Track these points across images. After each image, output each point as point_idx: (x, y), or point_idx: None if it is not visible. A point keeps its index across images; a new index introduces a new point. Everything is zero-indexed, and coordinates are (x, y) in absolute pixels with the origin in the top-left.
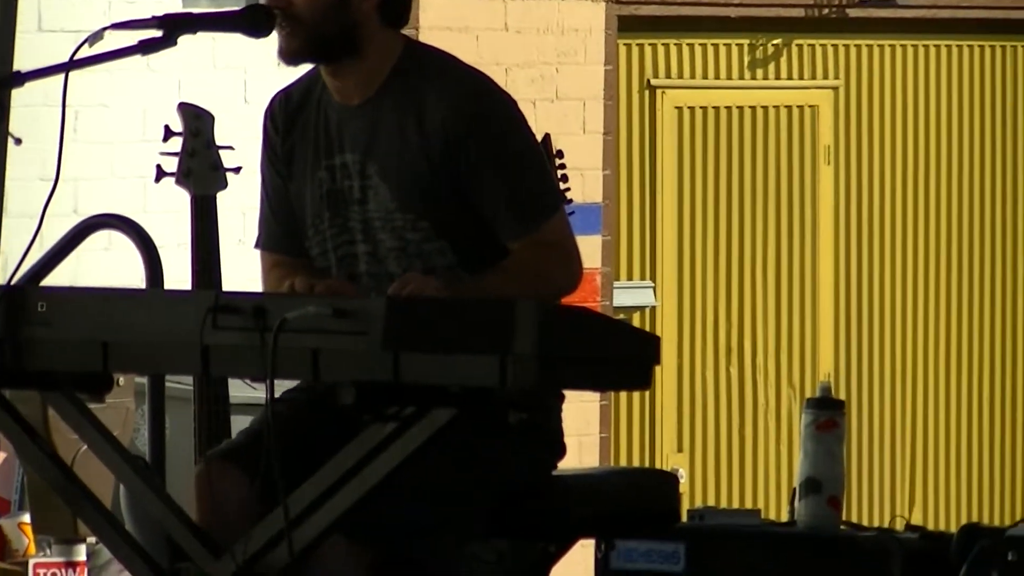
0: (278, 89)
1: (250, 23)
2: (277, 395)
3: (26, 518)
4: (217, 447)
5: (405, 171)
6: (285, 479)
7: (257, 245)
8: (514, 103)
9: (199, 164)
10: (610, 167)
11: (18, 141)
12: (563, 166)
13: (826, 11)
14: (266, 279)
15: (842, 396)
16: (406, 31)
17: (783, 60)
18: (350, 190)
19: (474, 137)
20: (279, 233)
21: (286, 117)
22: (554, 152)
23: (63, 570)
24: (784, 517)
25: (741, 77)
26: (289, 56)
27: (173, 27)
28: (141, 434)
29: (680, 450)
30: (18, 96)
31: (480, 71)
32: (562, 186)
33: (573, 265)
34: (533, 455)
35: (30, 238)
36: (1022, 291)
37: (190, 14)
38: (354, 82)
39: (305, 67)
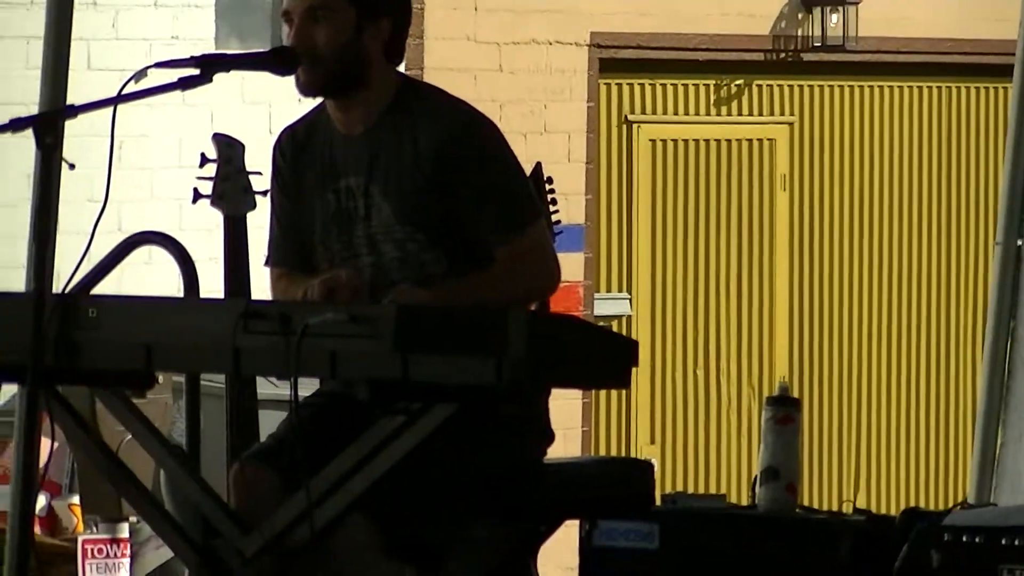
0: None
1: (277, 62)
2: (301, 395)
3: (75, 500)
4: (249, 449)
5: (403, 189)
6: (308, 466)
7: (267, 263)
8: (495, 127)
9: (231, 187)
10: (592, 192)
11: (72, 166)
12: (552, 191)
13: (783, 55)
14: (273, 289)
15: (796, 395)
16: (414, 71)
17: (744, 98)
18: (355, 209)
19: (462, 157)
20: (287, 250)
21: (294, 148)
22: (545, 179)
23: (108, 546)
24: (746, 501)
25: (707, 113)
26: (310, 89)
27: (209, 66)
28: (177, 426)
29: (653, 442)
30: (69, 127)
31: (465, 102)
32: (552, 209)
33: (552, 268)
34: (525, 443)
35: (80, 253)
36: (955, 300)
37: (224, 54)
38: (358, 113)
39: (316, 101)
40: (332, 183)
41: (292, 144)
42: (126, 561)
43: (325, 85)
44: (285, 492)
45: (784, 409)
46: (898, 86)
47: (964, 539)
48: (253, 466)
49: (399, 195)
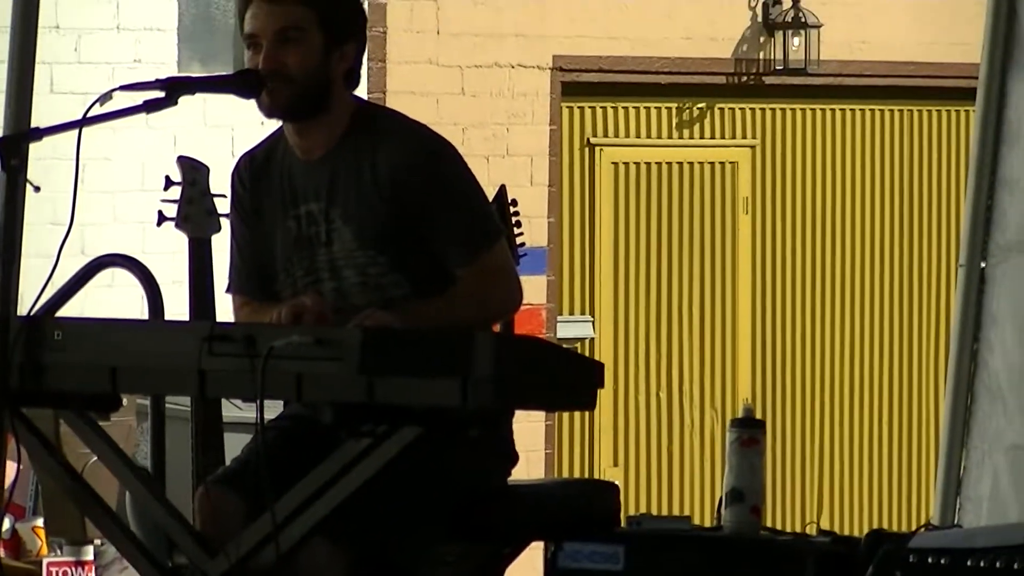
0: None
1: (242, 85)
2: (266, 419)
3: (39, 522)
4: (214, 474)
5: (363, 214)
6: (273, 489)
7: (228, 290)
8: (454, 149)
9: (196, 210)
10: (554, 215)
11: (36, 188)
12: (516, 213)
13: (745, 79)
14: (237, 317)
15: (759, 416)
16: (376, 95)
17: (707, 122)
18: (316, 235)
19: (421, 179)
20: (247, 277)
21: (252, 175)
22: (508, 201)
23: (73, 568)
24: (711, 523)
25: (670, 136)
26: (276, 111)
27: (174, 88)
28: (141, 449)
29: (616, 464)
30: (32, 151)
31: (424, 125)
32: (516, 231)
33: (514, 287)
34: (490, 465)
35: (45, 275)
36: (918, 323)
37: (190, 77)
38: (317, 138)
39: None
40: (293, 209)
41: (251, 170)
42: None
43: (292, 107)
44: (250, 516)
45: (749, 431)
46: (860, 109)
47: (929, 560)
48: (218, 490)
49: (359, 219)
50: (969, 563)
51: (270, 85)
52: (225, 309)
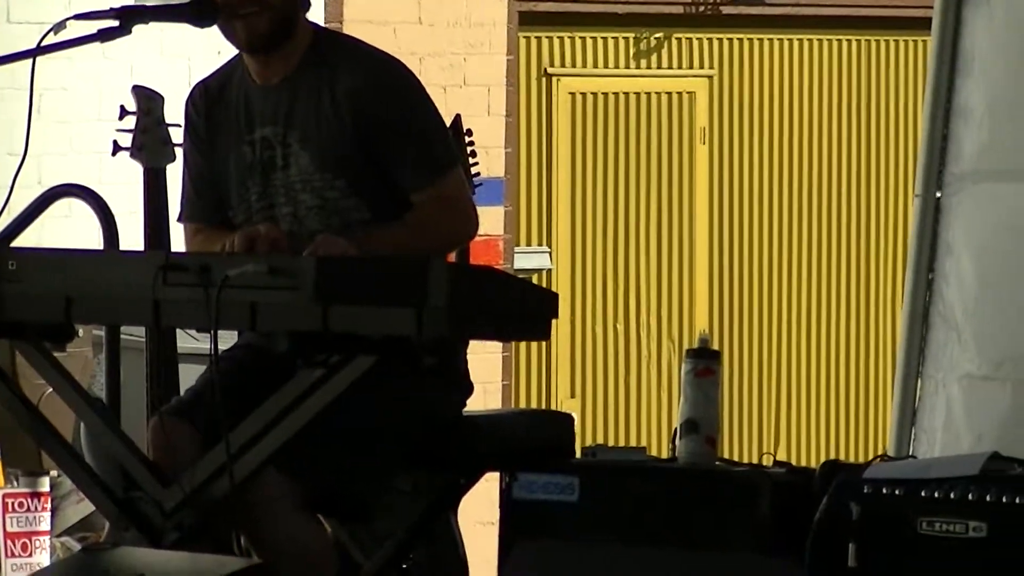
0: None
1: (196, 14)
2: (221, 348)
3: None
4: (168, 404)
5: (322, 137)
6: (228, 420)
7: (180, 219)
8: (412, 74)
9: (151, 140)
10: (511, 145)
11: None
12: (472, 143)
13: (702, 8)
14: (189, 245)
15: (716, 348)
16: (333, 24)
17: (664, 52)
18: (272, 159)
19: (379, 103)
20: (200, 205)
21: (206, 102)
22: (464, 131)
23: (29, 499)
24: (666, 454)
25: (627, 67)
26: (258, 41)
27: (128, 18)
28: (98, 380)
29: (573, 396)
30: None
31: (382, 50)
32: (471, 161)
33: (470, 213)
34: (445, 395)
35: (0, 205)
36: (875, 253)
37: (143, 6)
38: (277, 65)
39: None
40: (248, 134)
41: (205, 98)
42: (47, 515)
43: (270, 38)
44: (204, 446)
45: (704, 362)
46: (817, 39)
47: (884, 491)
48: (171, 420)
49: (318, 143)
50: (923, 493)
51: (245, 13)
52: (181, 240)
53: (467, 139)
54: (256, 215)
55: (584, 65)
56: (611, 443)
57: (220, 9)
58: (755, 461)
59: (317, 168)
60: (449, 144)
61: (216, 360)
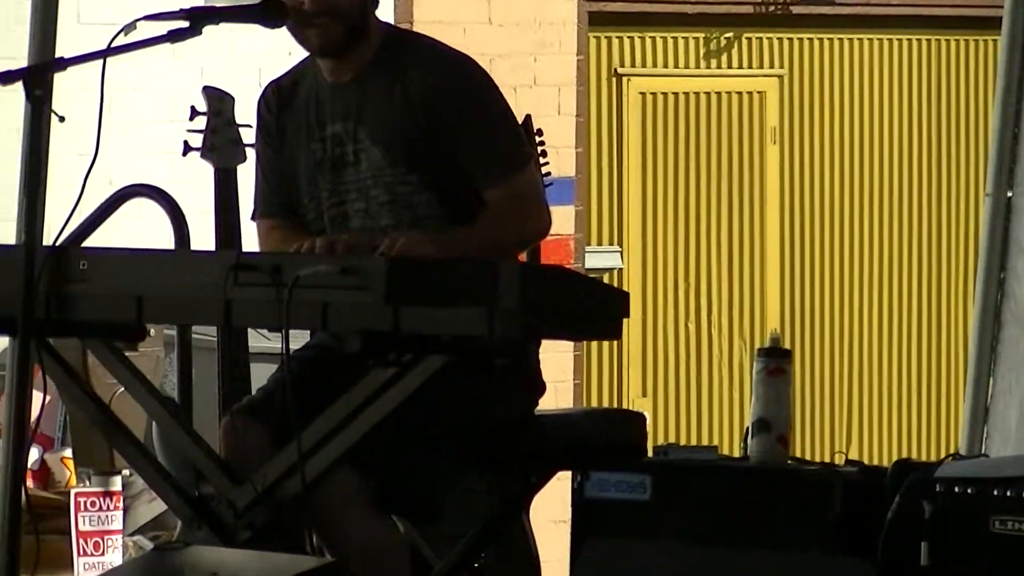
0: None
1: (266, 15)
2: (292, 348)
3: (68, 453)
4: (239, 404)
5: (393, 132)
6: (300, 420)
7: (253, 217)
8: (485, 71)
9: (221, 140)
10: (582, 145)
11: (61, 119)
12: (542, 143)
13: (772, 8)
14: (264, 242)
15: (787, 347)
16: (404, 24)
17: (734, 51)
18: (342, 156)
19: (453, 98)
20: (275, 201)
21: (279, 100)
22: (534, 131)
23: (101, 499)
24: (738, 453)
25: (697, 66)
26: (330, 48)
27: (199, 19)
28: (169, 379)
29: (644, 395)
30: (58, 81)
31: (453, 48)
32: (542, 161)
33: (542, 213)
34: (517, 394)
35: (71, 206)
36: (947, 252)
37: (213, 7)
38: (349, 63)
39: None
40: (319, 131)
41: (277, 97)
42: (119, 514)
43: (343, 44)
44: (275, 444)
45: (775, 360)
46: (887, 38)
47: (956, 490)
48: (243, 419)
49: (389, 138)
50: (996, 492)
51: (323, 26)
52: (252, 239)
53: (538, 139)
54: (327, 212)
55: (654, 65)
56: (682, 442)
57: (290, 12)
58: (827, 460)
59: (389, 163)
60: (522, 142)
61: (288, 359)
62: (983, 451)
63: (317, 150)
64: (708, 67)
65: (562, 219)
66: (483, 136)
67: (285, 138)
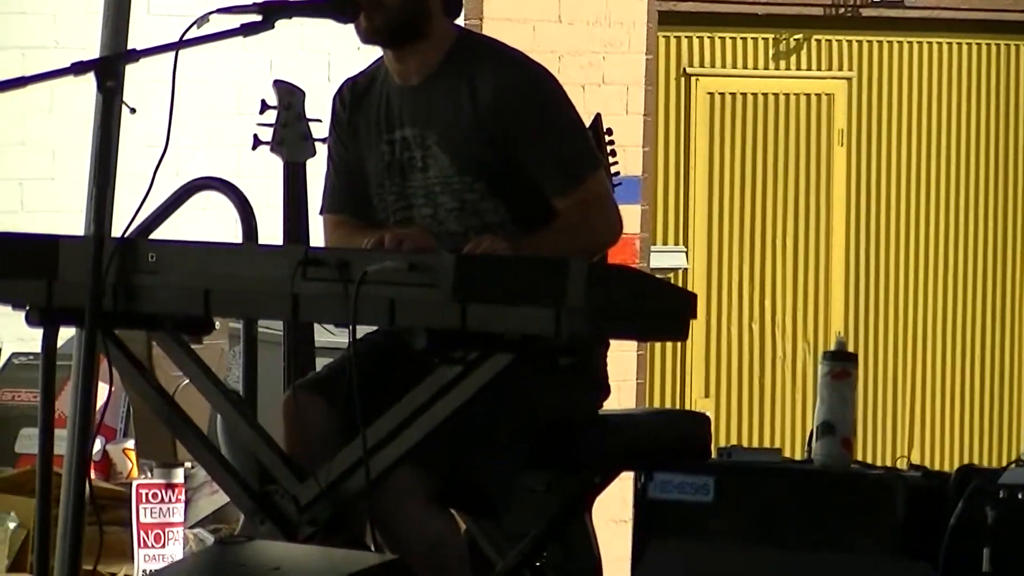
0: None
1: (338, 9)
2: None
3: (130, 444)
4: (303, 379)
5: (461, 139)
6: (364, 406)
7: (322, 211)
8: (554, 78)
9: (291, 134)
10: (649, 145)
11: (132, 110)
12: (612, 142)
13: (842, 10)
14: (330, 238)
15: (851, 350)
16: (473, 21)
17: (803, 53)
18: (411, 160)
19: (521, 106)
20: (344, 197)
21: (353, 98)
22: (604, 130)
23: (163, 491)
24: (801, 456)
25: (766, 67)
26: (372, 36)
27: (271, 12)
28: (233, 373)
29: (707, 396)
30: (129, 72)
31: (523, 53)
32: (611, 160)
33: (613, 218)
34: (581, 394)
35: (140, 198)
36: (1012, 258)
37: (286, 1)
38: (415, 64)
39: (376, 50)
40: (388, 133)
41: (352, 95)
42: (180, 506)
43: (387, 33)
44: (335, 424)
45: (841, 364)
46: (956, 42)
47: (1020, 496)
48: (306, 394)
49: (457, 145)
50: None
51: (366, 11)
52: (319, 235)
53: (607, 138)
54: (394, 215)
55: (723, 65)
56: (745, 444)
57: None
58: (890, 464)
59: (456, 170)
60: (590, 147)
61: (354, 355)
62: None
63: (386, 152)
64: (777, 68)
65: (629, 218)
66: (551, 145)
67: (357, 137)
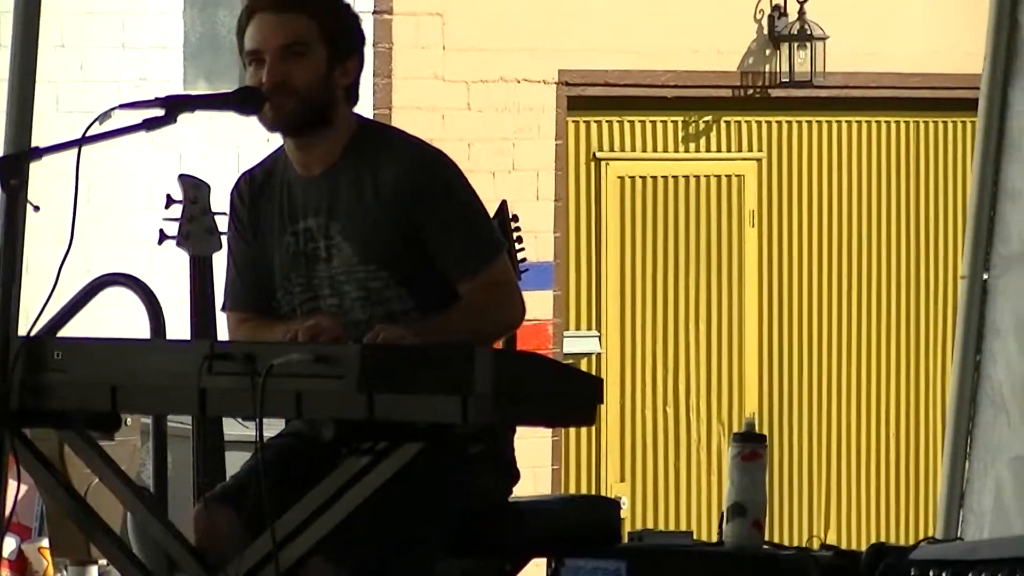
0: None
1: (241, 102)
2: (266, 436)
3: (45, 543)
4: (212, 491)
5: (364, 229)
6: (273, 508)
7: (224, 308)
8: (455, 165)
9: (197, 228)
10: (560, 230)
11: (36, 208)
12: (519, 229)
13: (750, 91)
14: (234, 335)
15: (765, 431)
16: (382, 111)
17: (712, 135)
18: (315, 251)
19: (423, 196)
20: (245, 294)
21: (251, 191)
22: (510, 216)
23: None
24: (714, 538)
25: (675, 150)
26: (279, 124)
27: (174, 107)
28: (147, 468)
29: (623, 480)
30: (35, 169)
31: (423, 140)
32: (518, 247)
33: (517, 301)
34: (492, 481)
35: (46, 295)
36: (923, 335)
37: (189, 95)
38: (317, 154)
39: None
40: (291, 225)
41: (250, 188)
42: None
43: (294, 122)
44: (247, 532)
45: (750, 445)
46: (866, 121)
47: (931, 573)
48: (216, 506)
49: (360, 234)
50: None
51: (273, 99)
52: (224, 328)
53: (513, 224)
54: (300, 307)
55: (633, 149)
56: (662, 527)
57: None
58: (803, 544)
59: (360, 260)
60: (493, 231)
61: (262, 448)
62: (959, 535)
63: (291, 244)
64: (686, 150)
65: (541, 304)
66: (454, 233)
67: (258, 229)
